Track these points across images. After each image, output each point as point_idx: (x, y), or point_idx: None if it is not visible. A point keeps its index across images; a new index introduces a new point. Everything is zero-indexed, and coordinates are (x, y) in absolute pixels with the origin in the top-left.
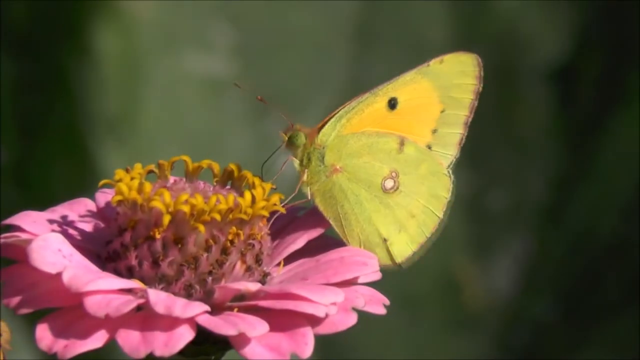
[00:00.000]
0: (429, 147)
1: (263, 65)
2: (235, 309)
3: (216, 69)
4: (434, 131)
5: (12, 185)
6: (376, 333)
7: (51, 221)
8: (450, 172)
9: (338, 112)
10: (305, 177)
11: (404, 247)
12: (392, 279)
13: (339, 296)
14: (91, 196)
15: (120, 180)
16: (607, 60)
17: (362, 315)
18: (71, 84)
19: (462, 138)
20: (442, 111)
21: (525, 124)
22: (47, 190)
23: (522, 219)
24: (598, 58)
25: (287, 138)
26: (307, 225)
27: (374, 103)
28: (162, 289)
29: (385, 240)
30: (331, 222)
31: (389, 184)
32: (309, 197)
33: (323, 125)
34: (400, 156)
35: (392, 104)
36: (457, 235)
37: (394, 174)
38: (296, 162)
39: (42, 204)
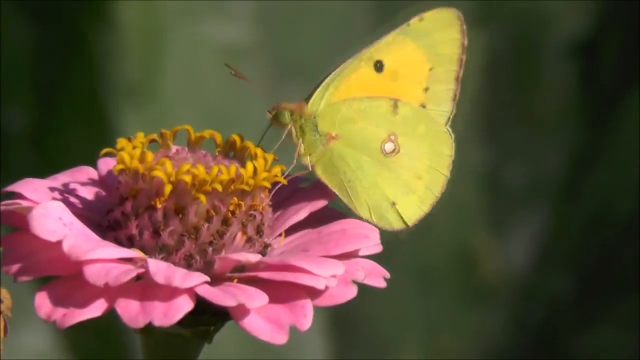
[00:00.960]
0: (423, 106)
1: (282, 34)
2: (235, 280)
3: (235, 37)
4: (426, 89)
5: (31, 150)
6: (391, 305)
7: (52, 189)
8: (449, 129)
9: (324, 80)
10: (301, 149)
11: (414, 209)
12: (408, 252)
13: (339, 268)
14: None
15: (122, 149)
16: (627, 38)
17: (376, 290)
18: (91, 51)
19: (456, 93)
20: (431, 69)
21: (544, 99)
22: (65, 155)
23: (539, 195)
24: (619, 35)
25: (272, 115)
26: (310, 197)
27: (359, 68)
28: (162, 258)
29: (393, 203)
30: (336, 191)
31: (389, 146)
32: (310, 169)
33: (310, 96)
34: (395, 118)
35: (378, 66)
36: (474, 208)
37: (392, 137)
38: (293, 134)
39: (59, 169)
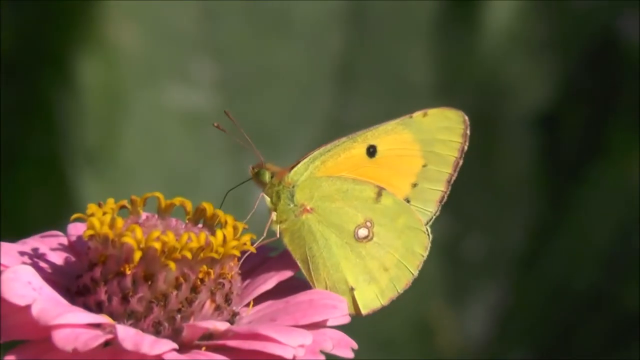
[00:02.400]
0: (408, 201)
1: (244, 101)
2: (203, 348)
3: (197, 103)
4: (414, 185)
5: None
6: None
7: (22, 253)
8: (429, 229)
9: (313, 153)
10: (274, 216)
11: (372, 299)
12: (366, 322)
13: (307, 338)
14: (67, 225)
15: (92, 215)
16: (589, 111)
17: (333, 358)
18: (52, 113)
19: (444, 196)
20: (424, 166)
21: (505, 171)
22: (24, 219)
23: (498, 267)
24: (580, 108)
25: (254, 172)
26: (278, 267)
27: (351, 148)
28: (131, 325)
29: (352, 289)
30: (298, 262)
31: (363, 232)
32: (278, 235)
33: (297, 164)
34: (376, 206)
35: (371, 151)
36: (433, 279)
37: (368, 224)
38: (267, 200)
39: (18, 233)
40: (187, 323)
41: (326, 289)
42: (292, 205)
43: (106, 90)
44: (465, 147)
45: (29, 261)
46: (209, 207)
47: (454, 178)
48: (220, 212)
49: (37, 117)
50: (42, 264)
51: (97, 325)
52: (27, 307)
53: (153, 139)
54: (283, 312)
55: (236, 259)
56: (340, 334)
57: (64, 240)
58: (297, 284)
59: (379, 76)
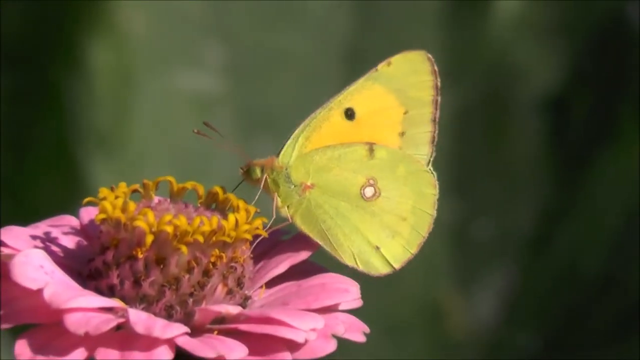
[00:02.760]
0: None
1: (253, 85)
2: (215, 332)
3: (207, 86)
4: (402, 134)
5: (1, 196)
6: (358, 358)
7: (34, 237)
8: (431, 169)
9: (295, 132)
10: (278, 202)
11: (401, 252)
12: (375, 305)
13: (319, 322)
14: (77, 209)
15: (104, 199)
16: (598, 93)
17: (345, 342)
18: (62, 98)
19: (434, 135)
20: (405, 112)
21: (514, 154)
22: (35, 203)
23: (507, 250)
24: (589, 92)
25: (244, 173)
26: (290, 250)
27: (329, 117)
28: (142, 308)
29: (377, 247)
30: (318, 240)
31: (369, 191)
32: (290, 220)
33: (281, 150)
34: (373, 162)
35: (349, 114)
36: (441, 263)
37: (371, 181)
38: (267, 189)
39: (29, 217)
40: (199, 307)
41: (353, 256)
42: (292, 187)
43: (116, 74)
44: (438, 83)
45: (40, 245)
46: (220, 191)
47: (437, 116)
48: (232, 196)
49: (48, 101)
50: (54, 248)
51: (108, 309)
52: (39, 291)
53: (163, 123)
54: (295, 296)
55: (248, 242)
56: (352, 318)
57: (75, 224)
58: (310, 268)
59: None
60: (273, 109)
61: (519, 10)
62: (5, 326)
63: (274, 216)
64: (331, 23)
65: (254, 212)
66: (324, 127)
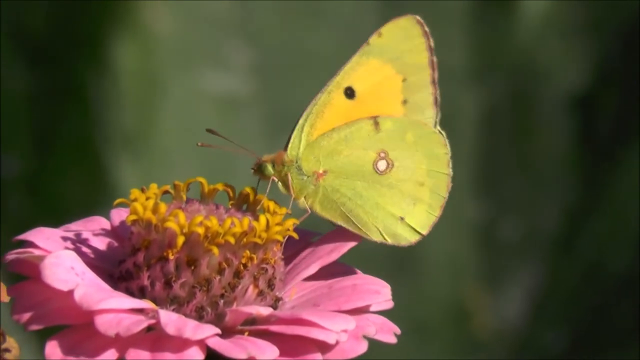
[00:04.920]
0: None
1: (279, 85)
2: (246, 333)
3: (233, 87)
4: (405, 102)
5: (26, 196)
6: (384, 357)
7: (65, 238)
8: (440, 129)
9: (298, 122)
10: (294, 194)
11: (425, 217)
12: (402, 306)
13: (350, 323)
14: (103, 209)
15: (135, 200)
16: (624, 93)
17: (372, 341)
18: (88, 97)
19: (436, 97)
20: (404, 80)
21: (541, 153)
22: (60, 202)
23: (533, 249)
24: (615, 90)
25: (256, 170)
26: (321, 251)
27: (330, 100)
28: (173, 310)
29: (402, 218)
30: (341, 223)
31: (382, 164)
32: (309, 211)
33: (288, 143)
34: (380, 135)
35: (349, 93)
36: (468, 262)
37: (382, 154)
38: (280, 186)
39: (54, 216)
40: (229, 308)
41: (379, 232)
42: (305, 177)
43: (142, 75)
44: (432, 44)
45: (71, 246)
46: (252, 192)
47: (436, 77)
48: (263, 197)
49: (74, 101)
50: (85, 249)
51: (139, 311)
52: (70, 292)
53: (188, 123)
54: (326, 297)
55: (279, 244)
56: (382, 319)
57: (106, 226)
58: (340, 269)
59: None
60: (299, 109)
61: (545, 9)
62: (35, 327)
63: (289, 208)
64: (357, 23)
65: (284, 213)
66: (326, 111)
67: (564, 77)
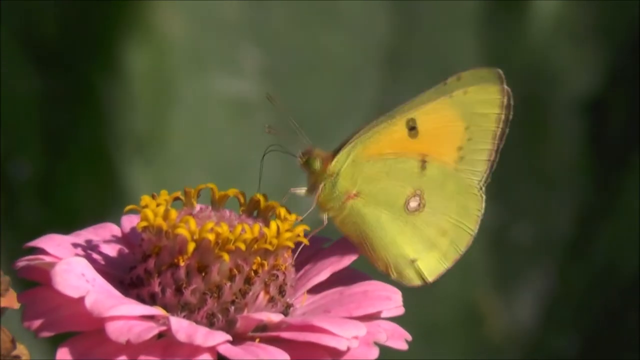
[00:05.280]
0: (456, 165)
1: (292, 89)
2: (257, 339)
3: (245, 91)
4: (459, 148)
5: (37, 201)
6: None
7: (75, 245)
8: (482, 188)
9: (353, 139)
10: (316, 204)
11: (435, 265)
12: (414, 309)
13: (361, 330)
14: (115, 214)
15: (146, 206)
16: (636, 96)
17: (382, 346)
18: (100, 102)
19: (491, 153)
20: (466, 128)
21: (552, 157)
22: (72, 207)
23: (546, 253)
24: (627, 93)
25: (304, 160)
26: (332, 258)
27: (391, 126)
28: (184, 316)
29: (413, 260)
30: (356, 245)
31: (414, 203)
32: (325, 223)
33: (338, 151)
34: (423, 176)
35: (411, 125)
36: (480, 267)
37: (418, 193)
38: (300, 191)
39: (66, 221)
40: (240, 315)
41: (387, 266)
42: (336, 193)
43: (154, 79)
44: (506, 101)
45: (82, 253)
46: (262, 199)
47: (499, 133)
48: (274, 204)
49: (85, 105)
50: (95, 256)
51: (150, 317)
52: (81, 299)
53: (201, 127)
54: (337, 304)
55: (290, 250)
56: (393, 326)
57: (117, 232)
58: (351, 275)
59: (426, 63)
60: (312, 112)
61: (556, 12)
62: (46, 334)
63: (304, 217)
64: (369, 26)
65: (295, 219)
66: (383, 137)
67: (575, 80)
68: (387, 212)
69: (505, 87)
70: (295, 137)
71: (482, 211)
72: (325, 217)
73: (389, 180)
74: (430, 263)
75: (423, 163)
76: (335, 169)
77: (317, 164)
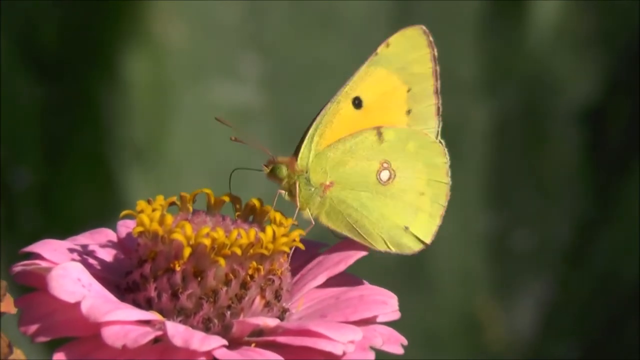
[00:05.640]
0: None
1: (291, 97)
2: (253, 344)
3: (244, 99)
4: (409, 112)
5: (36, 209)
6: None
7: (71, 250)
8: (440, 139)
9: (307, 132)
10: (299, 205)
11: (427, 226)
12: (413, 318)
13: (357, 334)
14: (114, 222)
15: (141, 212)
16: (635, 105)
17: (383, 354)
18: (99, 110)
19: (438, 107)
20: (409, 90)
21: (551, 165)
22: (71, 215)
23: (545, 261)
24: (626, 102)
25: (269, 171)
26: (328, 262)
27: (339, 110)
28: (180, 321)
29: (406, 227)
30: (347, 234)
31: (385, 175)
32: (313, 222)
33: (298, 149)
34: (384, 145)
35: (357, 103)
36: (479, 275)
37: (385, 165)
38: (285, 194)
39: (65, 229)
40: (236, 319)
41: (385, 242)
42: (312, 189)
43: (153, 87)
44: (436, 53)
45: (78, 258)
46: (258, 204)
47: (438, 86)
48: (270, 208)
49: (85, 114)
50: (92, 261)
51: (146, 322)
52: (77, 304)
53: (200, 136)
54: (333, 308)
55: (286, 255)
56: (389, 330)
57: (113, 237)
58: (347, 280)
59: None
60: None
61: (557, 20)
62: (42, 339)
63: (295, 217)
64: (368, 34)
65: (290, 224)
66: (335, 121)
67: (575, 88)
68: (365, 191)
69: (431, 39)
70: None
71: (448, 161)
72: (310, 215)
73: (354, 160)
74: (421, 225)
75: (379, 133)
76: (302, 165)
77: (283, 170)
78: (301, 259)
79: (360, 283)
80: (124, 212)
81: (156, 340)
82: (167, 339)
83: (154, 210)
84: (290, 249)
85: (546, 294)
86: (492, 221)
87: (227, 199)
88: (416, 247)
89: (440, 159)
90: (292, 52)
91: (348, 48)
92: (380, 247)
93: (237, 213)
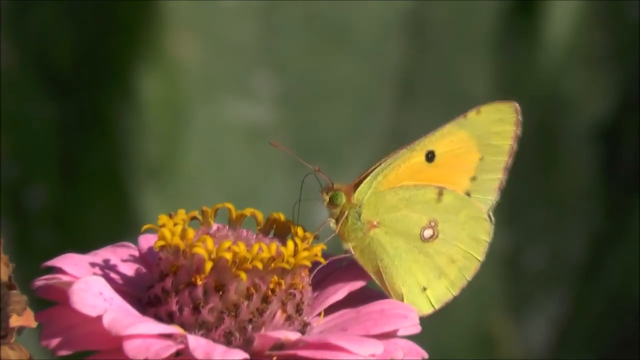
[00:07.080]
0: (468, 194)
1: (305, 115)
2: (275, 358)
3: (258, 117)
4: (473, 178)
5: (52, 227)
6: None
7: (93, 264)
8: (491, 215)
9: (374, 169)
10: (340, 236)
11: (443, 292)
12: (428, 333)
13: (378, 348)
14: (129, 240)
15: (163, 226)
16: None
17: None
18: (113, 128)
19: (502, 182)
20: (481, 159)
21: (565, 182)
22: (86, 233)
23: (559, 278)
24: None
25: (328, 198)
26: (349, 277)
27: (411, 158)
28: (201, 335)
29: (424, 288)
30: (372, 275)
31: (428, 233)
32: (351, 254)
33: (359, 182)
34: (439, 205)
35: (430, 157)
36: (493, 291)
37: (432, 223)
38: (332, 222)
39: (80, 247)
40: (258, 333)
41: (401, 295)
42: (359, 224)
43: (167, 105)
44: (519, 133)
45: (100, 272)
46: (279, 218)
47: (509, 164)
48: (291, 223)
49: (98, 132)
50: (113, 275)
51: (168, 336)
52: (98, 318)
53: (214, 154)
54: (354, 322)
55: (307, 269)
56: (410, 344)
57: (134, 252)
58: (369, 294)
59: (439, 89)
60: (325, 139)
61: (569, 38)
62: (64, 353)
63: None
64: (381, 52)
65: (312, 238)
66: (403, 166)
67: (589, 105)
68: (404, 241)
69: (519, 119)
70: (307, 163)
71: (490, 238)
72: (349, 247)
73: (408, 209)
74: (439, 291)
75: (440, 193)
76: (359, 199)
77: (342, 199)
78: (322, 273)
79: (381, 297)
80: (145, 227)
81: (178, 354)
82: (188, 352)
83: (175, 224)
84: (312, 263)
85: (560, 310)
86: (506, 238)
87: (248, 213)
88: (426, 311)
89: (484, 236)
90: (306, 69)
91: (362, 65)
92: (395, 298)
93: (259, 227)
